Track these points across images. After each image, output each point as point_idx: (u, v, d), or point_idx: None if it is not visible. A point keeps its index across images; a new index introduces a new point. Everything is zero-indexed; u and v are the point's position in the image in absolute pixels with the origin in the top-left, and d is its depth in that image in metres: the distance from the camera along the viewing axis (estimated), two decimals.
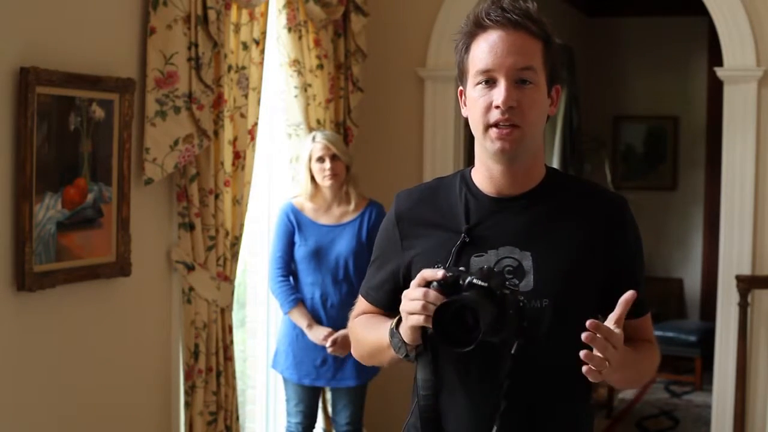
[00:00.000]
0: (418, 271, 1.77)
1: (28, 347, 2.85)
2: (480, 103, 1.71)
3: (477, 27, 1.74)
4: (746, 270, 4.17)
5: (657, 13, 7.58)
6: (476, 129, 1.74)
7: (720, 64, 4.30)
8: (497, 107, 1.69)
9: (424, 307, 1.59)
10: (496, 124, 1.70)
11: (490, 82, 1.71)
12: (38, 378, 2.89)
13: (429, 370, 1.73)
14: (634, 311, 1.79)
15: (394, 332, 1.70)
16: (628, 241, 1.80)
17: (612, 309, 1.77)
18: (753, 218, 4.19)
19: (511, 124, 1.69)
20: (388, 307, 1.90)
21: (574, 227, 1.76)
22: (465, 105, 1.79)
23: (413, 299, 1.62)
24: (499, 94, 1.69)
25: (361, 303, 1.96)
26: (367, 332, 1.87)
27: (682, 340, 6.56)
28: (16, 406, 2.82)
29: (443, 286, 1.61)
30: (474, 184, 1.81)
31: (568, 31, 7.35)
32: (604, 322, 1.83)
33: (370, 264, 1.94)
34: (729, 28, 4.21)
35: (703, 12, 4.45)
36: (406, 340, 1.67)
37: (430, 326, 1.58)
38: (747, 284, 4.11)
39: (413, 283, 1.65)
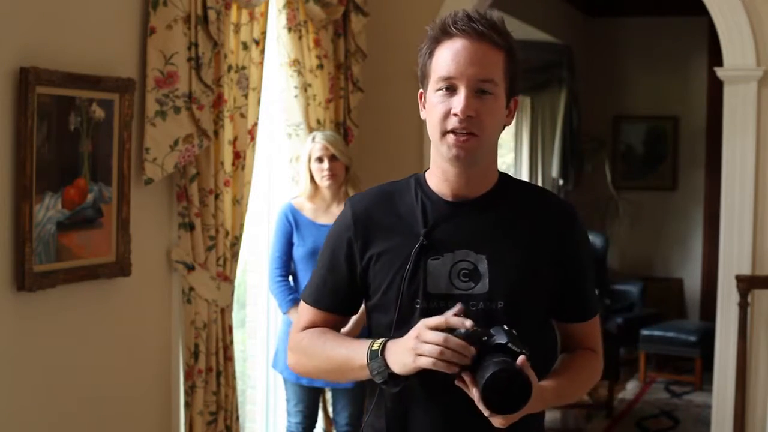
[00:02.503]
0: (376, 275, 1.80)
1: (28, 347, 2.85)
2: (439, 109, 1.73)
3: (442, 33, 1.76)
4: (746, 270, 4.17)
5: (657, 13, 7.58)
6: (433, 133, 1.76)
7: (720, 64, 4.30)
8: (455, 115, 1.71)
9: (442, 353, 1.60)
10: (453, 131, 1.72)
11: (450, 89, 1.73)
12: (38, 378, 2.89)
13: (399, 390, 1.75)
14: (578, 315, 1.87)
15: (377, 356, 1.69)
16: (576, 246, 1.83)
17: (560, 313, 1.86)
18: (753, 218, 4.19)
19: (468, 132, 1.71)
20: (341, 311, 1.89)
21: (526, 231, 1.79)
22: (424, 108, 1.81)
23: (431, 342, 1.61)
24: (458, 102, 1.71)
25: (307, 312, 1.90)
26: (329, 348, 1.82)
27: (682, 340, 6.56)
28: (16, 406, 2.82)
29: (468, 338, 1.61)
30: (429, 187, 1.83)
31: (568, 31, 7.35)
32: (553, 326, 1.89)
33: (318, 269, 1.90)
34: (729, 28, 4.21)
35: (703, 12, 4.45)
36: (398, 372, 1.67)
37: (444, 371, 1.61)
38: (747, 284, 4.11)
39: (429, 324, 1.64)
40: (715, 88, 5.34)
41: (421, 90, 1.82)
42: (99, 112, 3.01)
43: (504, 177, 1.86)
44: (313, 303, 1.89)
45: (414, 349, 1.63)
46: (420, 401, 1.78)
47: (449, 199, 1.80)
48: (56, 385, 2.96)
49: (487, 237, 1.77)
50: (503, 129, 1.82)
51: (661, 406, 6.16)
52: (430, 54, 1.77)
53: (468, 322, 1.62)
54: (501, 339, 1.62)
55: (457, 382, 1.63)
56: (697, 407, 6.13)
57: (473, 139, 1.72)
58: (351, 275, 1.84)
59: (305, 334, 1.89)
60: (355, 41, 4.34)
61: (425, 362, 1.61)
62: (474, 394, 1.60)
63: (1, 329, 2.76)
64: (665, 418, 5.96)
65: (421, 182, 1.85)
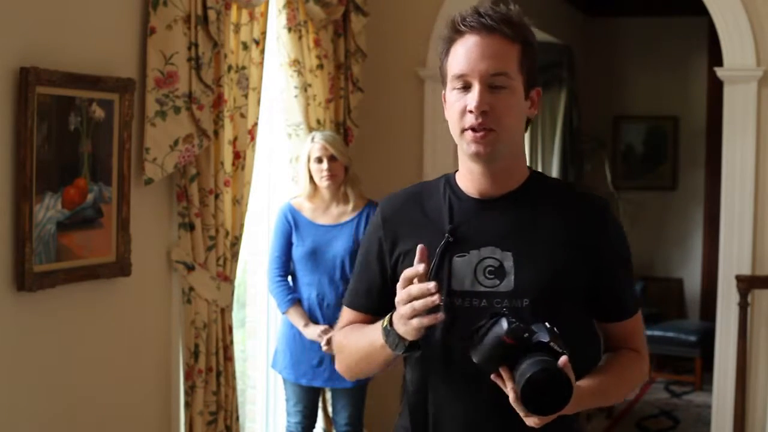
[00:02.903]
0: (403, 271, 1.78)
1: (27, 347, 2.85)
2: (456, 107, 1.75)
3: (454, 32, 1.77)
4: (746, 270, 4.17)
5: (657, 13, 7.58)
6: (454, 132, 1.77)
7: (720, 64, 4.30)
8: (470, 112, 1.71)
9: (413, 309, 1.61)
10: (471, 128, 1.72)
11: (465, 87, 1.73)
12: (38, 378, 2.89)
13: (418, 368, 1.76)
14: (614, 314, 1.84)
15: (389, 330, 1.70)
16: (609, 242, 1.81)
17: (596, 312, 1.83)
18: (753, 218, 4.19)
19: (485, 128, 1.71)
20: (377, 311, 1.89)
21: (555, 228, 1.77)
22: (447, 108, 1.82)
23: (403, 303, 1.63)
24: (472, 98, 1.71)
25: (346, 314, 1.94)
26: (355, 339, 1.85)
27: (682, 340, 6.56)
28: (15, 405, 2.82)
29: (510, 334, 1.59)
30: (458, 186, 1.84)
31: (568, 31, 7.34)
32: (592, 324, 1.85)
33: (354, 272, 1.94)
34: (729, 28, 4.21)
35: (703, 12, 4.45)
36: (408, 338, 1.67)
37: (431, 324, 1.61)
38: (747, 284, 4.11)
39: (398, 286, 1.65)
40: (715, 88, 5.33)
41: (444, 91, 1.83)
42: (99, 112, 3.01)
43: (535, 174, 1.85)
44: (349, 304, 1.92)
45: (401, 317, 1.64)
46: (442, 397, 1.77)
47: (476, 196, 1.81)
48: (56, 385, 2.96)
49: (513, 234, 1.76)
50: (528, 122, 1.81)
51: (661, 406, 6.17)
52: (446, 54, 1.78)
53: (420, 267, 1.62)
54: (543, 337, 1.60)
55: (493, 377, 1.62)
56: (697, 407, 6.13)
57: (491, 134, 1.71)
58: (382, 274, 1.86)
59: (338, 334, 1.92)
60: (355, 41, 4.34)
61: (415, 323, 1.62)
62: (510, 391, 1.59)
63: (1, 329, 2.76)
64: (665, 418, 5.97)
65: (450, 181, 1.86)
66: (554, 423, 1.63)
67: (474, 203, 1.81)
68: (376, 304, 1.88)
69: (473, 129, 1.72)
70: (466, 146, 1.74)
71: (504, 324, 1.60)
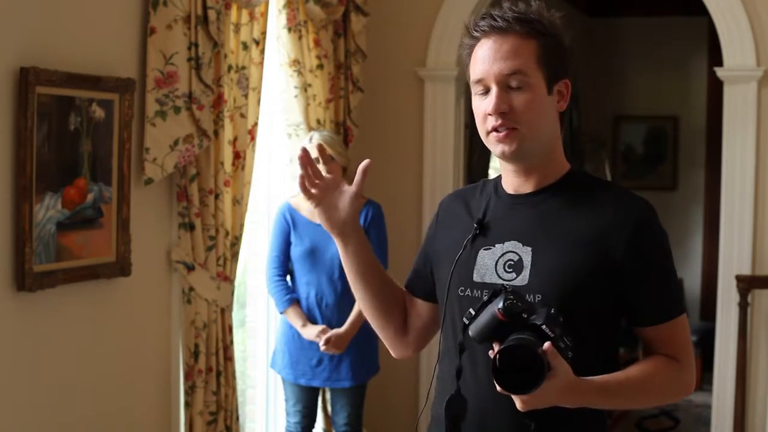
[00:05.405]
0: (439, 261, 1.90)
1: (28, 347, 2.85)
2: (479, 112, 1.79)
3: (471, 39, 1.80)
4: (746, 270, 4.17)
5: (657, 13, 7.58)
6: (481, 136, 1.81)
7: (720, 64, 4.30)
8: (490, 115, 1.74)
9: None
10: (494, 130, 1.76)
11: (485, 91, 1.77)
12: (38, 378, 2.89)
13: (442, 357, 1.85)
14: (647, 318, 1.79)
15: None
16: (641, 243, 1.75)
17: (629, 315, 1.81)
18: (753, 218, 4.19)
19: (508, 127, 1.74)
20: (417, 293, 1.99)
21: (581, 226, 1.76)
22: None
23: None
24: (489, 101, 1.75)
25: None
26: None
27: None
28: (15, 406, 2.82)
29: (506, 311, 1.62)
30: (501, 183, 1.89)
31: (569, 31, 7.34)
32: (611, 325, 1.82)
33: None
34: (729, 28, 4.21)
35: (703, 12, 4.45)
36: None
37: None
38: (747, 284, 4.11)
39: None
40: (715, 88, 5.34)
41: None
42: (99, 112, 3.01)
43: (573, 172, 1.86)
44: (404, 283, 2.04)
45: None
46: (461, 381, 1.80)
47: (511, 192, 1.86)
48: (56, 385, 2.96)
49: (537, 230, 1.78)
50: (560, 117, 1.82)
51: (661, 406, 6.16)
52: (468, 60, 1.82)
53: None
54: (538, 320, 1.62)
55: (489, 353, 1.65)
56: (697, 407, 6.13)
57: (514, 132, 1.74)
58: (425, 262, 1.97)
59: None
60: (355, 41, 4.34)
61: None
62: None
63: (1, 329, 2.76)
64: (665, 418, 5.97)
65: (498, 179, 1.91)
66: (551, 417, 1.65)
67: (508, 198, 1.85)
68: (419, 286, 1.99)
69: (496, 130, 1.75)
70: (493, 148, 1.78)
71: (500, 301, 1.63)
